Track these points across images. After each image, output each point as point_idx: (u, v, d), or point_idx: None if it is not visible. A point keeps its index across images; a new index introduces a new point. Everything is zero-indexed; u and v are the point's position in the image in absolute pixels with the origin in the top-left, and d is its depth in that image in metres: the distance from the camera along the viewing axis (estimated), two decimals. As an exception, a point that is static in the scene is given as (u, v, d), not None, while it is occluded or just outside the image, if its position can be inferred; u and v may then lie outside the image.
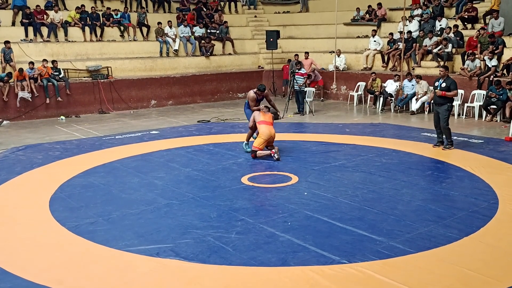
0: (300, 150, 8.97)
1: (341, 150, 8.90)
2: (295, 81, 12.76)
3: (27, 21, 14.40)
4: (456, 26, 14.00)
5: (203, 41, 16.72)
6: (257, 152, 8.36)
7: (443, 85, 8.49)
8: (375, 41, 15.43)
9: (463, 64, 12.99)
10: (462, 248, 4.77)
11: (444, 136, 8.68)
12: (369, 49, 15.55)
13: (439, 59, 13.55)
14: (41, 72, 12.94)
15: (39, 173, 7.78)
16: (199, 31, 16.98)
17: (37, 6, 14.89)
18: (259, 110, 8.70)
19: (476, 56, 12.73)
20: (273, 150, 8.35)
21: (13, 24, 14.57)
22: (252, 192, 6.64)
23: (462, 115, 12.19)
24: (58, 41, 14.74)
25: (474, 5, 14.52)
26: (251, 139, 8.90)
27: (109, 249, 4.90)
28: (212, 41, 16.94)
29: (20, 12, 14.55)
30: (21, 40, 14.17)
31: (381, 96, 13.42)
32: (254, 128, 8.67)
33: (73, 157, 8.72)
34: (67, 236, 5.26)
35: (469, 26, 14.46)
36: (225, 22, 17.84)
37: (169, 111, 14.16)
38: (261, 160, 8.33)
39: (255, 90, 9.01)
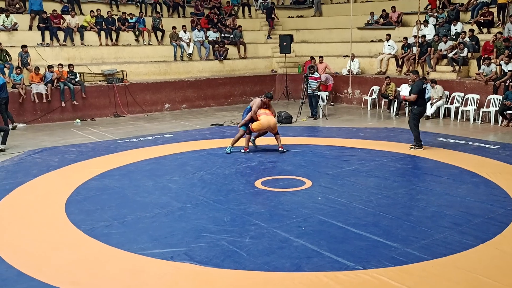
0: (313, 155, 8.96)
1: (355, 155, 8.86)
2: (308, 85, 12.74)
3: (44, 25, 14.59)
4: (471, 30, 13.87)
5: (217, 45, 16.80)
6: (246, 135, 8.86)
7: (408, 89, 9.00)
8: (389, 45, 15.36)
9: (479, 68, 12.86)
10: (478, 255, 4.71)
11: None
12: (383, 53, 15.47)
13: (454, 64, 13.43)
14: (58, 76, 13.08)
15: (55, 175, 7.86)
16: (213, 35, 17.06)
17: (54, 10, 15.09)
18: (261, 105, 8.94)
19: (492, 60, 12.59)
20: (281, 145, 8.84)
21: (30, 28, 14.78)
22: (265, 196, 6.64)
23: (478, 120, 12.05)
24: (74, 45, 14.92)
25: (490, 9, 14.37)
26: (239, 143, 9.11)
27: (124, 252, 4.93)
28: (226, 45, 17.00)
29: (37, 17, 14.75)
30: (38, 44, 14.37)
31: (395, 101, 13.34)
32: (245, 131, 9.01)
33: (89, 160, 8.79)
34: (82, 239, 5.31)
35: (484, 30, 14.32)
36: (239, 26, 17.91)
37: (182, 115, 14.25)
38: (274, 164, 8.35)
39: (262, 97, 9.11)
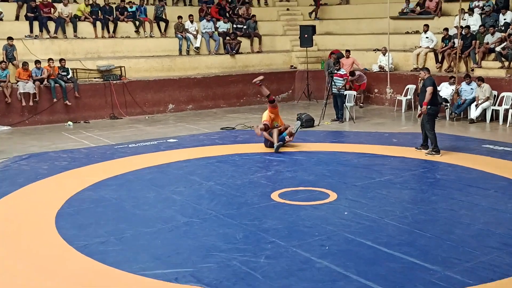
0: (339, 163, 8.94)
1: (387, 164, 8.85)
2: (333, 83, 12.73)
3: (33, 15, 14.77)
4: (524, 20, 13.77)
5: (228, 38, 16.87)
6: (264, 132, 9.79)
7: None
8: (427, 37, 15.28)
9: (532, 64, 12.74)
10: (532, 280, 4.66)
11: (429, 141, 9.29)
12: (420, 46, 15.40)
13: (503, 59, 13.32)
14: (49, 72, 13.25)
15: (44, 185, 7.91)
16: (223, 26, 17.15)
17: (44, -2, 15.25)
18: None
19: (548, 55, 12.47)
20: (290, 138, 9.83)
21: (17, 18, 14.99)
22: (283, 211, 6.64)
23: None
24: (67, 37, 15.10)
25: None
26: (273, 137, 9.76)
27: (122, 273, 4.95)
28: (238, 38, 17.08)
29: (25, 5, 14.92)
30: (25, 36, 14.55)
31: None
32: (270, 127, 9.87)
33: (82, 167, 8.86)
34: (75, 257, 5.35)
35: (539, 20, 14.19)
36: (253, 16, 17.97)
37: (188, 117, 14.31)
38: (294, 174, 8.37)
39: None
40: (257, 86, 10.43)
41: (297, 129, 10.29)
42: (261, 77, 10.23)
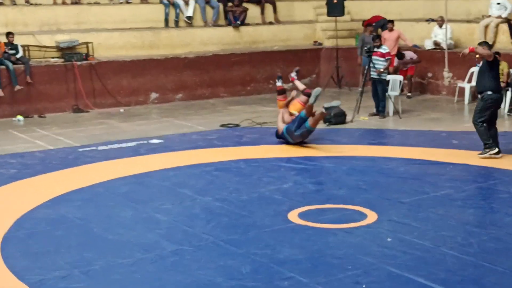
0: (380, 172, 8.95)
1: (445, 174, 8.79)
2: (372, 65, 12.72)
3: (-30, -26, 14.88)
4: None
5: (230, 4, 16.93)
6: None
7: None
8: (498, 3, 15.20)
9: None
10: None
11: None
12: (490, 16, 15.33)
13: None
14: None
15: (-15, 200, 7.94)
16: (224, -12, 17.19)
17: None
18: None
19: None
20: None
21: None
22: (305, 236, 6.62)
23: None
24: (16, 3, 15.16)
25: None
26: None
27: (89, 318, 4.97)
28: (244, 4, 17.11)
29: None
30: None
31: (508, 90, 13.16)
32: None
33: (36, 177, 8.85)
34: (26, 296, 5.29)
35: None
36: (264, -26, 18.02)
37: (177, 110, 14.35)
38: (319, 186, 8.42)
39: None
40: (292, 80, 10.61)
41: (315, 98, 10.21)
42: (297, 68, 10.52)
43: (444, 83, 15.20)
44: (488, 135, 9.34)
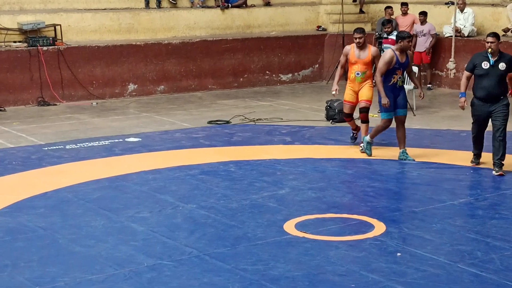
0: (390, 176, 8.97)
1: (463, 179, 8.80)
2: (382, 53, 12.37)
3: None
4: None
5: (220, -17, 16.85)
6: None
7: (501, 66, 8.79)
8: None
9: None
10: None
11: (493, 152, 8.85)
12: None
13: None
14: None
15: None
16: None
17: None
18: None
19: None
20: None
21: None
22: (303, 249, 6.50)
23: None
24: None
25: None
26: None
27: None
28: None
29: None
30: None
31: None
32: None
33: (-8, 179, 8.75)
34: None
35: None
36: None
37: (159, 104, 14.24)
38: (319, 193, 8.24)
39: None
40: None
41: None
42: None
43: (449, 75, 14.87)
44: None
